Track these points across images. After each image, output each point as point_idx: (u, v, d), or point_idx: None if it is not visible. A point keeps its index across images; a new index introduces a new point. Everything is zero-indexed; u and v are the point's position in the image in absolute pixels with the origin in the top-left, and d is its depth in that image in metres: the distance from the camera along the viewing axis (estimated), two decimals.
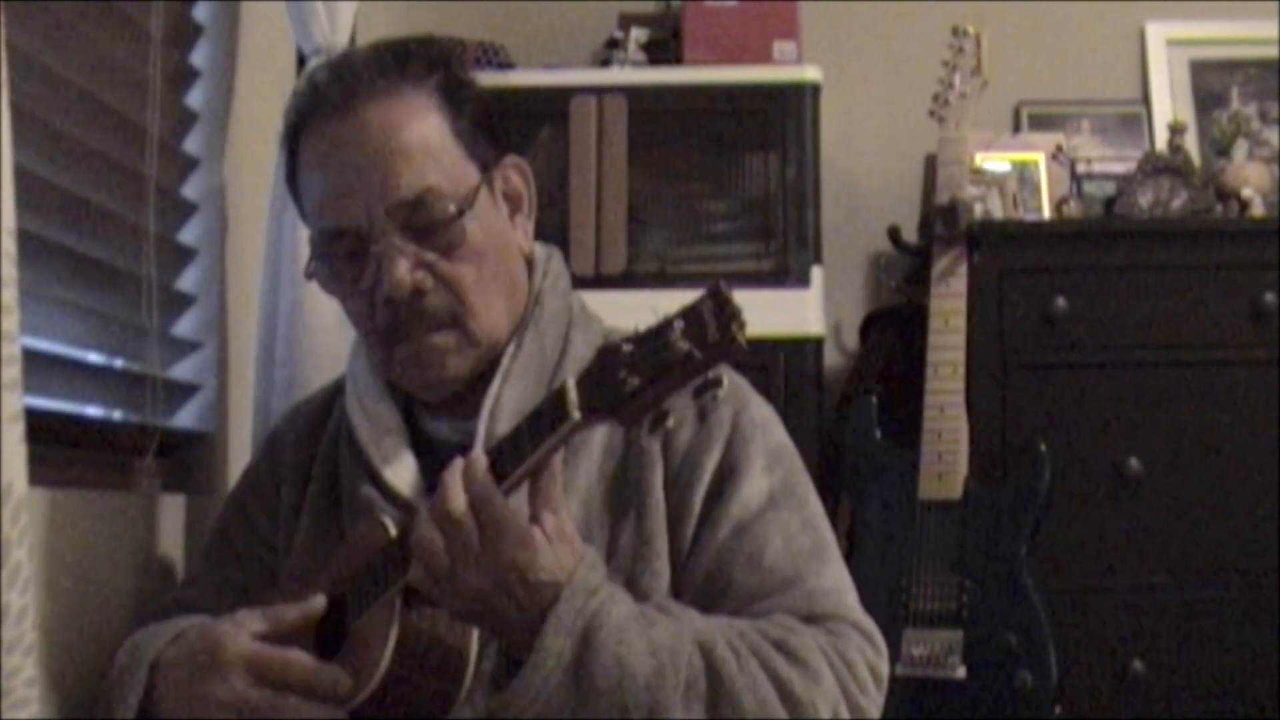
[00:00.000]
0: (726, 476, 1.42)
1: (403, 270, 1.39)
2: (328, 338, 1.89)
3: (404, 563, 1.29)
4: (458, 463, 1.24)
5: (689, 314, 1.14)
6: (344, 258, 1.43)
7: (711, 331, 1.12)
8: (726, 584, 1.38)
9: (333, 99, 1.42)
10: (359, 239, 1.41)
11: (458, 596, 1.23)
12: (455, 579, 1.22)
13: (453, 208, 1.41)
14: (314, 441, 1.58)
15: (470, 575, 1.21)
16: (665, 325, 1.14)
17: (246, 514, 1.60)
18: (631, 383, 1.14)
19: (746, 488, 1.41)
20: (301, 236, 1.88)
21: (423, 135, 1.41)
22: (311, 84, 1.47)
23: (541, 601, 1.22)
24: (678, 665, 1.25)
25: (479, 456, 1.24)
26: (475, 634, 1.31)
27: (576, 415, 1.18)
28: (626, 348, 1.16)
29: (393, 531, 1.35)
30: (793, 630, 1.33)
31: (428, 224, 1.40)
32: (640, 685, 1.23)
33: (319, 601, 1.37)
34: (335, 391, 1.62)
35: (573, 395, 1.18)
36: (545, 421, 1.20)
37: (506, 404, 1.43)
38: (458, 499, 1.22)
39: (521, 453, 1.22)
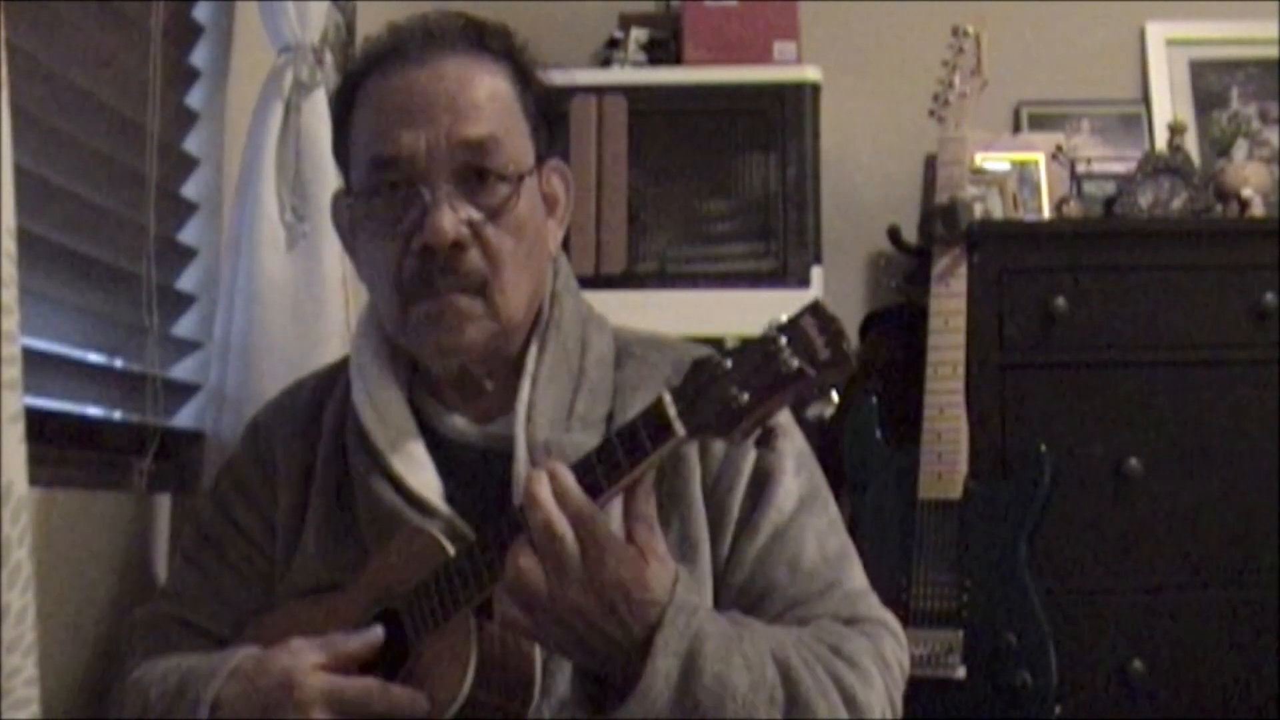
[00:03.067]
0: (763, 481, 1.43)
1: (449, 220, 1.36)
2: (282, 336, 1.88)
3: (477, 581, 1.26)
4: (541, 478, 1.20)
5: (791, 330, 1.14)
6: (387, 192, 1.39)
7: (820, 348, 1.13)
8: (768, 588, 1.40)
9: (412, 49, 1.41)
10: (411, 172, 1.38)
11: (556, 621, 1.20)
12: (555, 602, 1.19)
13: (511, 167, 1.40)
14: (309, 441, 1.53)
15: (573, 597, 1.19)
16: (767, 340, 1.14)
17: (235, 519, 1.55)
18: (741, 398, 1.14)
19: (781, 491, 1.43)
20: (263, 234, 1.87)
21: (495, 93, 1.41)
22: (389, 35, 1.45)
23: (646, 622, 1.21)
24: (765, 679, 1.26)
25: (565, 471, 1.21)
26: (538, 653, 1.29)
27: (681, 431, 1.17)
28: (726, 363, 1.15)
29: (450, 549, 1.32)
30: (845, 636, 1.35)
31: (483, 171, 1.39)
32: (739, 703, 1.23)
33: (376, 632, 1.34)
34: (321, 388, 1.57)
35: (672, 410, 1.17)
36: (643, 436, 1.18)
37: (542, 408, 1.42)
38: (560, 518, 1.19)
39: (618, 468, 1.19)
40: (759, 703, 1.24)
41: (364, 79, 1.44)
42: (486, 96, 1.41)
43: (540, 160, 1.46)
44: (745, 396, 1.14)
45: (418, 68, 1.40)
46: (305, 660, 1.32)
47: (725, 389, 1.15)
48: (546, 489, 1.20)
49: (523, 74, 1.46)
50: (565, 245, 2.83)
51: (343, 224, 1.51)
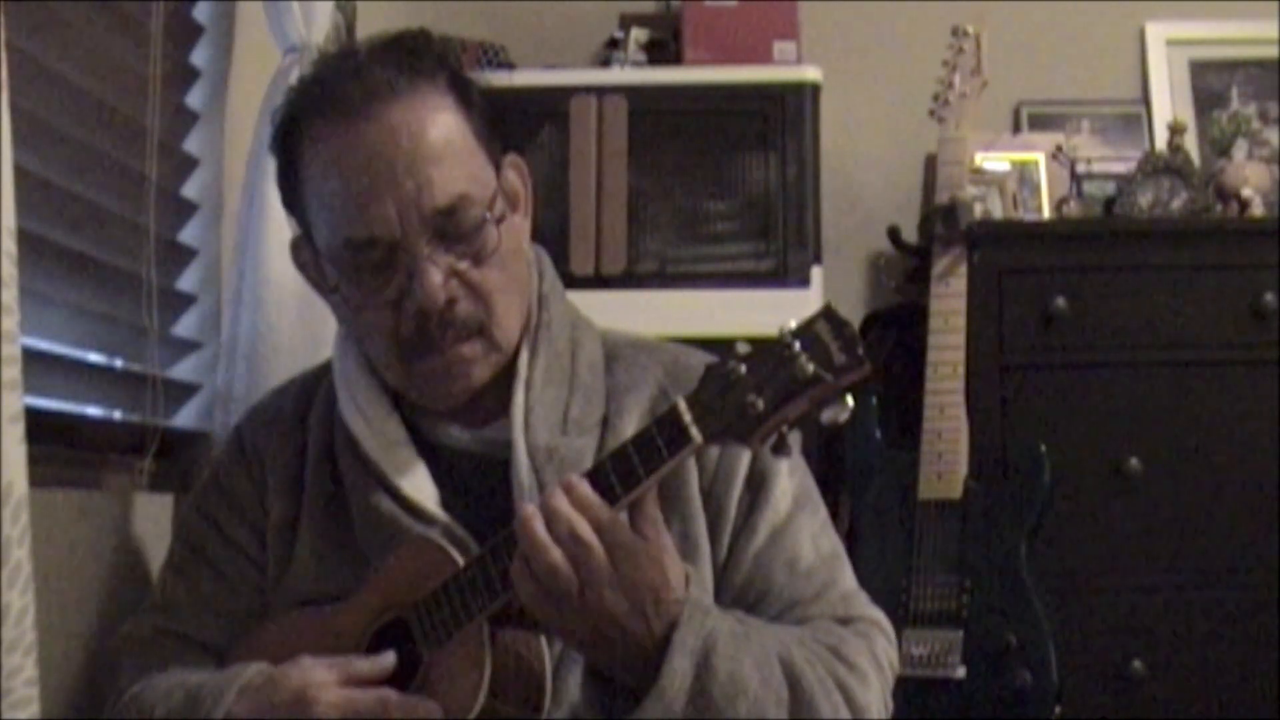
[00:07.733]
0: (759, 482, 1.43)
1: (437, 281, 1.35)
2: (289, 337, 1.87)
3: (489, 590, 1.27)
4: (558, 491, 1.23)
5: (804, 335, 1.15)
6: (368, 268, 1.37)
7: (836, 352, 1.14)
8: (766, 589, 1.41)
9: (349, 100, 1.36)
10: (388, 248, 1.36)
11: (584, 622, 1.22)
12: (585, 604, 1.21)
13: (486, 215, 1.38)
14: (297, 449, 1.51)
15: (605, 598, 1.21)
16: (780, 346, 1.15)
17: (223, 529, 1.52)
18: (758, 405, 1.15)
19: (777, 491, 1.43)
20: (269, 235, 1.87)
21: (448, 137, 1.37)
22: (318, 83, 1.41)
23: (667, 621, 1.23)
24: (774, 677, 1.27)
25: (581, 482, 1.22)
26: (549, 660, 1.30)
27: (698, 437, 1.18)
28: (741, 369, 1.16)
29: (459, 558, 1.31)
30: (843, 638, 1.37)
31: (460, 231, 1.36)
32: (751, 700, 1.25)
33: (389, 657, 1.33)
34: (305, 394, 1.55)
35: (687, 416, 1.18)
36: (659, 443, 1.20)
37: (539, 413, 1.41)
38: (585, 527, 1.20)
39: (634, 475, 1.21)
40: (768, 701, 1.26)
41: (300, 129, 1.40)
42: (442, 144, 1.36)
43: (499, 168, 1.43)
44: (761, 402, 1.15)
45: (362, 123, 1.35)
46: (318, 676, 1.31)
47: (741, 395, 1.16)
48: (565, 501, 1.21)
49: (462, 88, 1.41)
50: (565, 245, 2.83)
51: (307, 268, 1.48)
